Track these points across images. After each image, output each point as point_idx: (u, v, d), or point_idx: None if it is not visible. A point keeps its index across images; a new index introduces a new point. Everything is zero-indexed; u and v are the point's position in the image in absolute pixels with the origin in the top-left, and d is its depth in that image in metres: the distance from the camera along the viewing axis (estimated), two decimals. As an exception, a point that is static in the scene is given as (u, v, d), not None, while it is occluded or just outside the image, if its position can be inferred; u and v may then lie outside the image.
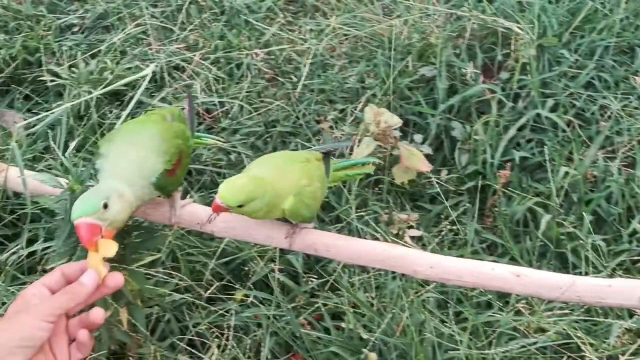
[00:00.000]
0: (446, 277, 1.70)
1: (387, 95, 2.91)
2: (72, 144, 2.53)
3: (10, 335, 1.21)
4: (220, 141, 2.08)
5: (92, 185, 1.58)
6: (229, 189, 1.51)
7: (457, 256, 1.80)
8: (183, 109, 1.90)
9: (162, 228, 2.08)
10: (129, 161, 1.62)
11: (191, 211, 1.81)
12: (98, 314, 1.32)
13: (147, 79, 1.87)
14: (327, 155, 1.85)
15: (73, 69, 3.07)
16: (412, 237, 2.50)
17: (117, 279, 1.37)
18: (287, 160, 1.76)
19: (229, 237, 1.83)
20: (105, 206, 1.47)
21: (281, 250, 2.40)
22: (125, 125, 1.86)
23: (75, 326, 1.33)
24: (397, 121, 2.53)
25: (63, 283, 1.34)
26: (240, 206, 1.53)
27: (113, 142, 1.68)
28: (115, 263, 1.74)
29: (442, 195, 2.63)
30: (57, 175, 1.82)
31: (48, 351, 1.28)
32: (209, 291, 2.29)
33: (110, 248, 1.44)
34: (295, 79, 3.08)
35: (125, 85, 3.00)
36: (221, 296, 2.34)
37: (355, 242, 1.75)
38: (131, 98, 2.97)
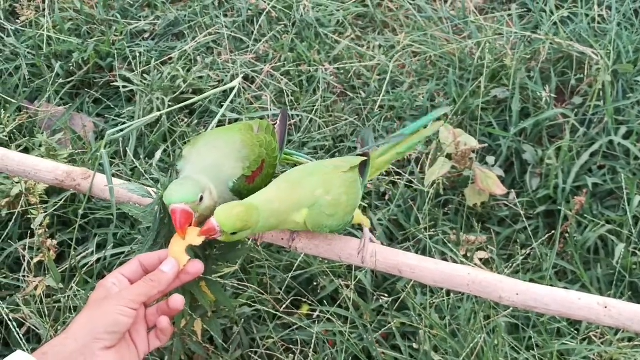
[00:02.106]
0: (532, 304, 1.68)
1: (458, 116, 2.89)
2: (158, 153, 2.54)
3: (96, 322, 1.25)
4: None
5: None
6: (227, 217, 1.49)
7: (528, 281, 1.78)
8: (275, 123, 1.91)
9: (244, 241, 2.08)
10: (208, 164, 1.64)
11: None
12: (178, 301, 1.38)
13: (235, 91, 1.87)
14: (366, 157, 1.81)
15: (144, 75, 3.09)
16: (481, 259, 2.48)
17: (197, 266, 1.43)
18: (306, 173, 1.73)
19: (312, 254, 1.82)
20: (201, 199, 1.50)
21: (350, 267, 2.39)
22: (210, 131, 1.88)
23: (153, 314, 1.39)
24: (475, 144, 2.51)
25: (141, 273, 1.38)
26: (233, 233, 1.52)
27: (195, 145, 1.70)
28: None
29: (512, 218, 2.62)
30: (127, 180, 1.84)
31: (129, 339, 1.33)
32: (284, 305, 2.29)
33: (197, 237, 1.47)
34: (364, 95, 3.07)
35: (194, 93, 3.03)
36: (292, 310, 2.34)
37: (440, 265, 1.74)
38: (200, 106, 2.99)
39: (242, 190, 1.66)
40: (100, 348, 1.23)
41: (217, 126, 2.22)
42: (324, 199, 1.65)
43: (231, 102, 2.95)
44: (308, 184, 1.66)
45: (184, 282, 1.42)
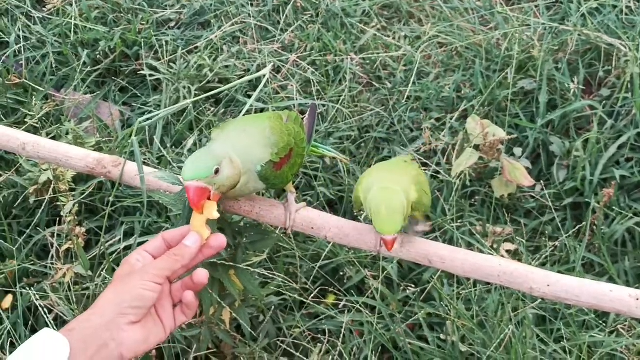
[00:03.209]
0: (563, 296, 1.67)
1: (485, 107, 2.88)
2: (189, 142, 2.53)
3: (122, 297, 1.26)
4: (341, 157, 2.08)
5: None
6: (390, 224, 1.54)
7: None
8: (303, 117, 1.90)
9: (274, 230, 2.08)
10: (237, 146, 1.63)
11: (305, 216, 1.80)
12: (202, 275, 1.37)
13: (265, 80, 1.87)
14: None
15: (171, 64, 3.10)
16: (508, 251, 2.47)
17: (220, 240, 1.42)
18: (389, 162, 1.88)
19: (341, 244, 1.82)
20: (217, 171, 1.49)
21: (376, 257, 2.39)
22: (239, 118, 1.88)
23: (178, 290, 1.38)
24: (503, 135, 2.50)
25: (164, 249, 1.38)
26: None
27: (224, 129, 1.69)
28: (224, 261, 1.76)
29: (539, 210, 2.61)
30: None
31: (155, 314, 1.34)
32: (311, 295, 2.29)
33: (214, 210, 1.48)
34: (390, 85, 3.07)
35: (220, 82, 3.03)
36: (319, 300, 2.34)
37: (470, 256, 1.73)
38: (227, 95, 2.99)
39: (269, 176, 1.65)
40: (126, 323, 1.24)
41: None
42: (419, 177, 1.71)
43: (253, 89, 2.95)
44: (401, 168, 1.75)
45: (207, 257, 1.42)
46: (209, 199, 1.50)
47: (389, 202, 1.55)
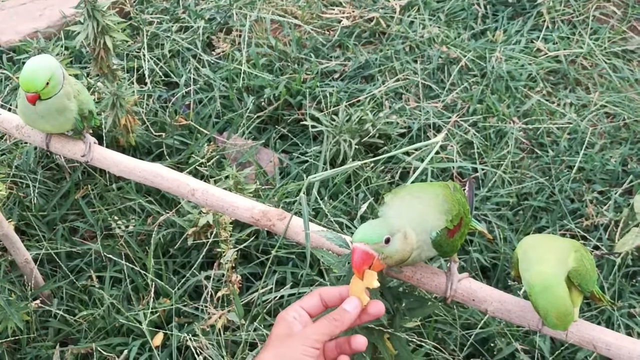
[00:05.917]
0: None
1: (651, 184, 2.79)
2: (364, 206, 2.52)
3: None
4: (487, 234, 2.04)
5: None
6: (564, 325, 1.51)
7: None
8: (464, 188, 1.88)
9: (431, 297, 2.06)
10: (413, 211, 1.61)
11: (467, 287, 1.77)
12: (361, 342, 1.36)
13: (436, 147, 1.85)
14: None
15: (333, 115, 3.12)
16: (669, 337, 2.37)
17: (378, 307, 1.39)
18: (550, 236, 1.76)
19: (502, 318, 1.78)
20: (387, 241, 1.48)
21: (528, 330, 2.33)
22: (411, 184, 1.87)
23: (331, 350, 1.37)
24: (675, 219, 2.42)
25: (320, 306, 1.37)
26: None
27: (398, 194, 1.68)
28: (381, 326, 1.74)
29: None
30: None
31: None
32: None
33: (374, 280, 1.45)
34: (552, 153, 3.00)
35: (379, 137, 3.03)
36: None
37: (638, 345, 1.66)
38: (384, 152, 2.99)
39: (443, 243, 1.63)
40: None
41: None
42: (582, 251, 1.64)
43: (417, 150, 2.93)
44: (559, 240, 1.67)
45: (363, 322, 1.41)
46: (370, 266, 1.48)
47: (555, 306, 1.49)
